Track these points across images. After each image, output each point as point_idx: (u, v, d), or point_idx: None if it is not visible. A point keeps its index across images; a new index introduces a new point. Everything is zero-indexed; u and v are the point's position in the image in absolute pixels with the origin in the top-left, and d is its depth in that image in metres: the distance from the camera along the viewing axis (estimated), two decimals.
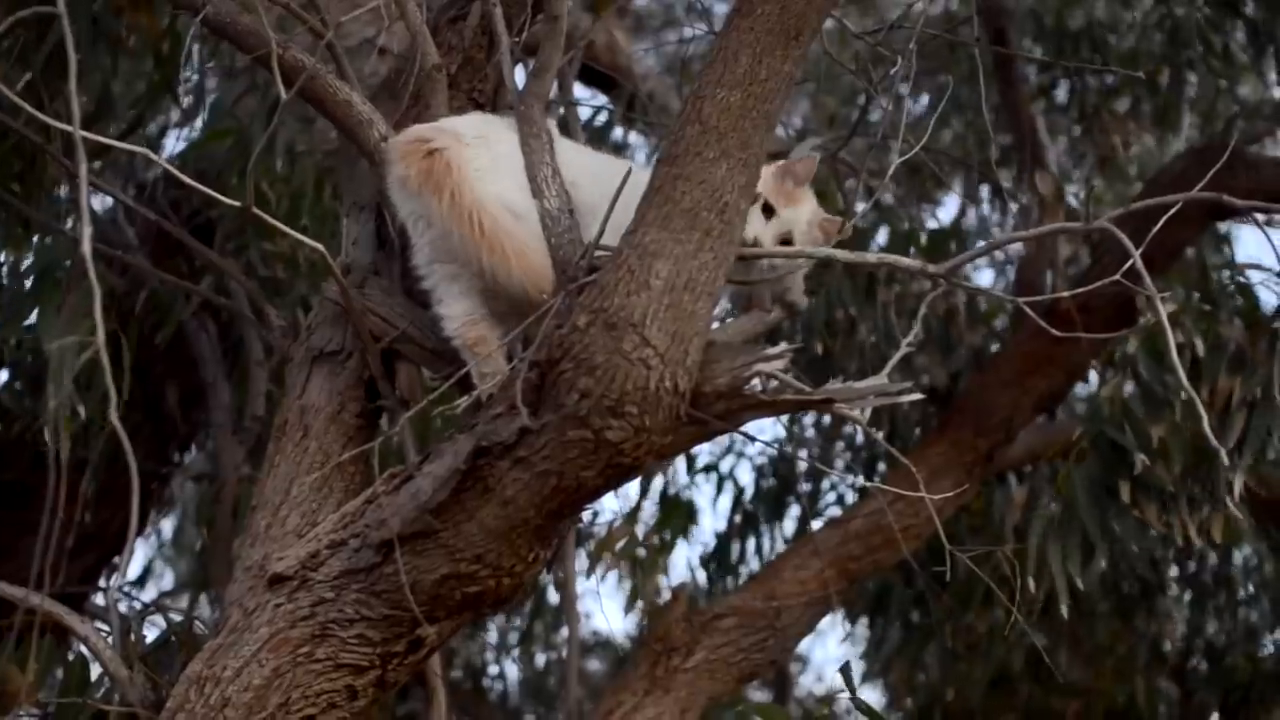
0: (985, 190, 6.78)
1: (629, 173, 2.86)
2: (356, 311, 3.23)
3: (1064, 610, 4.79)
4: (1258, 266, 5.18)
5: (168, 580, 7.58)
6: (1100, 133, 7.16)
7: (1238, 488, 4.36)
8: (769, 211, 3.02)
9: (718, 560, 6.16)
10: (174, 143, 5.43)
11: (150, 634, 3.96)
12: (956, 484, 5.16)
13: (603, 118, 5.69)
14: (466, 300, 3.06)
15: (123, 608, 4.19)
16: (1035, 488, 5.33)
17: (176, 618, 4.00)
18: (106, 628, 3.60)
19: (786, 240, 3.02)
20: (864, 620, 6.37)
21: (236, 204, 2.99)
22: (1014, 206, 6.40)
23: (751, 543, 6.14)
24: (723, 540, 6.17)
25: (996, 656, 5.80)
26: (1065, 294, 2.98)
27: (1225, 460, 2.64)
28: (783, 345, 2.85)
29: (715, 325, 3.00)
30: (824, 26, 3.10)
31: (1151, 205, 2.86)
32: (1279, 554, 5.90)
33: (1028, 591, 4.79)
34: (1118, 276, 2.81)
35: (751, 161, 2.82)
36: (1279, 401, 2.82)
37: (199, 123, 5.39)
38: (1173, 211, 2.86)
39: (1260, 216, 3.00)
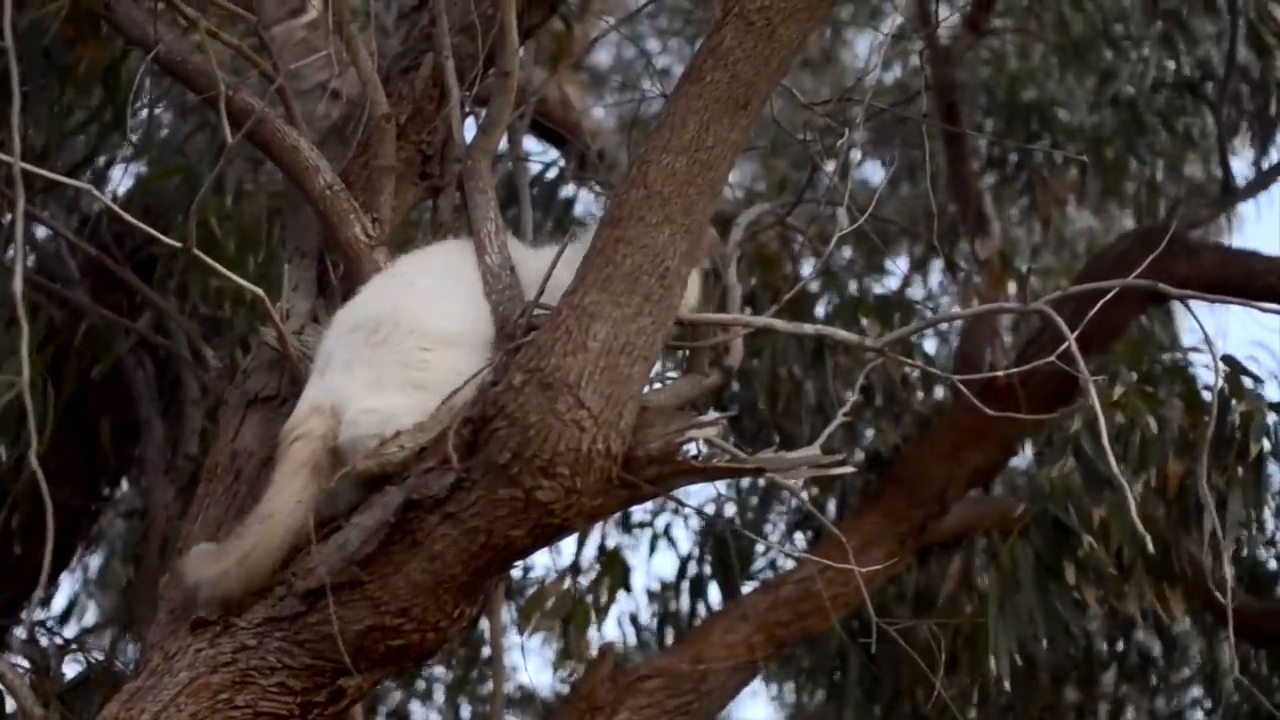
0: (933, 260, 6.83)
1: (565, 244, 2.88)
2: (294, 357, 3.22)
3: (1006, 685, 4.78)
4: (1196, 350, 5.23)
5: (92, 616, 7.49)
6: (1046, 205, 7.23)
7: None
8: None
9: (659, 619, 6.16)
10: (121, 176, 5.40)
11: (71, 671, 3.92)
12: (889, 554, 5.17)
13: (553, 173, 5.70)
14: None
15: (44, 643, 4.15)
16: (976, 563, 5.34)
17: (98, 656, 3.96)
18: (25, 663, 3.56)
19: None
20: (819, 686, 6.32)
21: (177, 244, 2.98)
22: (959, 277, 6.44)
23: (692, 601, 6.13)
24: (661, 599, 6.16)
25: None
26: (1001, 373, 3.00)
27: (1150, 546, 2.65)
28: (716, 413, 2.85)
29: (655, 386, 3.01)
30: (775, 92, 3.12)
31: (1089, 289, 2.89)
32: (1211, 638, 5.92)
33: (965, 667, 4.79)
34: (1053, 358, 2.83)
35: (695, 228, 2.83)
36: (1203, 492, 2.83)
37: (148, 157, 5.37)
38: (1110, 295, 2.89)
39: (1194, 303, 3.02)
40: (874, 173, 7.71)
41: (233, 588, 2.89)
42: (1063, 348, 2.76)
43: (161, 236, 2.97)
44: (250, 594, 2.90)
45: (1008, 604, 4.71)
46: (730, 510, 6.19)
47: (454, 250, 3.16)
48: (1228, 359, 4.54)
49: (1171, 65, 6.55)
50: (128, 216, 2.92)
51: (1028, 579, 4.69)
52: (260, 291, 3.03)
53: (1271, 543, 5.40)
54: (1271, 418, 4.52)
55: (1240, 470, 4.47)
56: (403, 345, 2.97)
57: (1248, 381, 4.60)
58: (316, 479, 2.92)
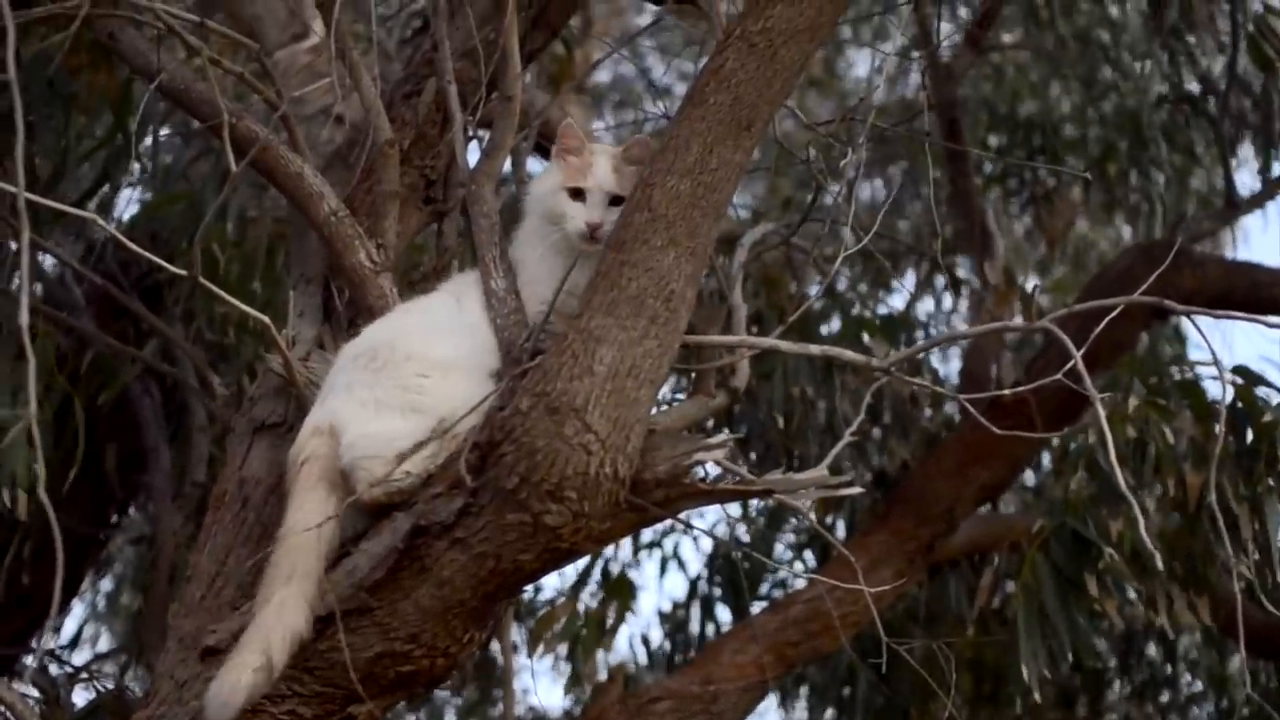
0: (938, 277, 6.83)
1: (574, 263, 2.88)
2: (300, 384, 3.22)
3: (1037, 696, 4.76)
4: (1204, 363, 5.22)
5: (103, 643, 7.49)
6: (1051, 221, 7.24)
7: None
8: (578, 195, 3.03)
9: (669, 639, 6.14)
10: (127, 203, 5.41)
11: (81, 700, 3.92)
12: (897, 573, 5.15)
13: None
14: None
15: (54, 671, 4.15)
16: (996, 580, 5.33)
17: (108, 685, 3.96)
18: (35, 692, 3.56)
19: (616, 199, 3.01)
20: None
21: (183, 272, 2.99)
22: (965, 295, 6.43)
23: (703, 622, 6.12)
24: (672, 620, 6.15)
25: None
26: (1008, 391, 3.00)
27: (1160, 565, 2.65)
28: (723, 435, 2.85)
29: (662, 408, 3.01)
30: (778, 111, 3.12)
31: (1093, 307, 2.89)
32: (1222, 651, 5.91)
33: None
34: (1059, 376, 2.84)
35: (699, 250, 2.83)
36: (1214, 506, 2.84)
37: (154, 182, 5.39)
38: (1115, 312, 2.89)
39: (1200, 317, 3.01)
40: (879, 190, 7.72)
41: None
42: (1069, 365, 2.76)
43: (167, 265, 2.97)
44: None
45: (1031, 619, 4.69)
46: (739, 530, 6.19)
47: (459, 283, 3.17)
48: (1241, 369, 4.53)
49: (1174, 79, 6.55)
50: (133, 245, 2.92)
51: (1050, 593, 4.67)
52: (266, 318, 3.04)
53: None
54: None
55: (1271, 480, 4.45)
56: (401, 370, 2.98)
57: (1262, 391, 4.59)
58: (334, 493, 2.93)
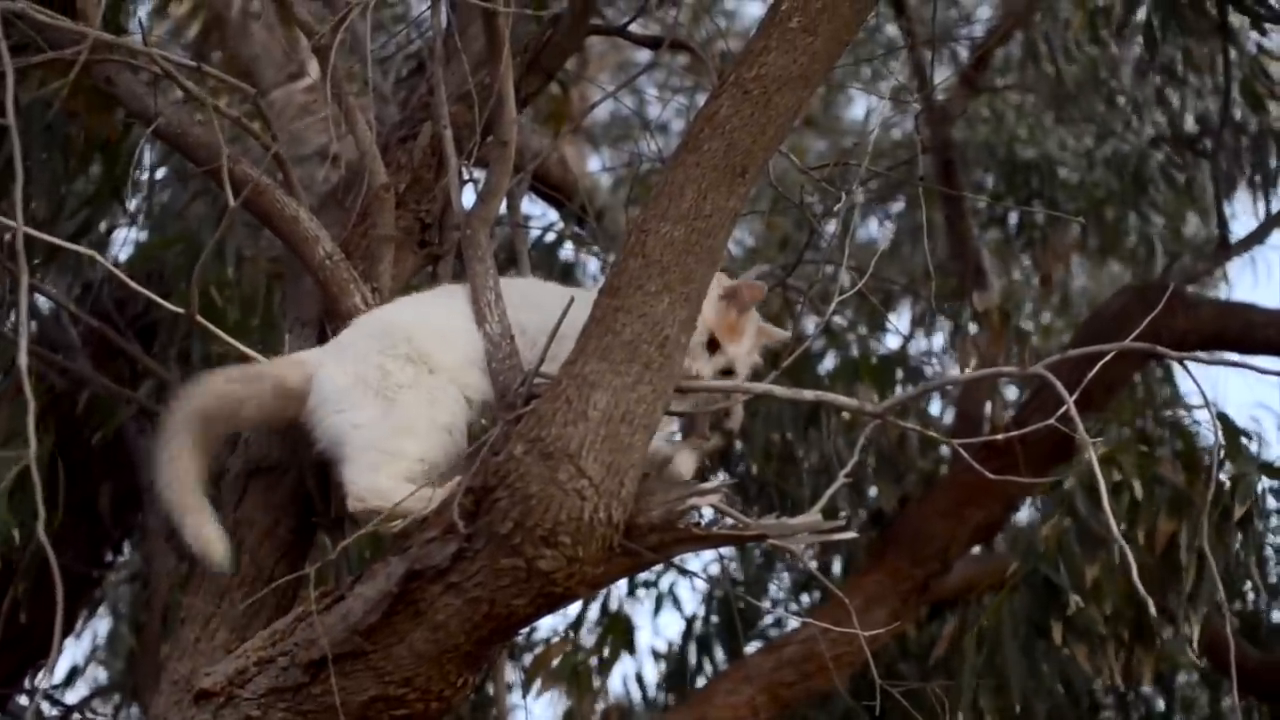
0: (933, 318, 6.84)
1: (571, 301, 2.89)
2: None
3: None
4: (1197, 406, 5.23)
5: (97, 681, 7.45)
6: (1046, 263, 7.25)
7: (1195, 635, 4.43)
8: (714, 347, 3.03)
9: (664, 679, 6.13)
10: (122, 243, 5.42)
11: None
12: (892, 613, 5.16)
13: (551, 236, 5.72)
14: None
15: (47, 709, 4.14)
16: (966, 621, 5.32)
17: None
18: None
19: (728, 371, 3.03)
20: None
21: (180, 310, 3.00)
22: (959, 336, 6.43)
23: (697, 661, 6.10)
24: (669, 660, 6.14)
25: None
26: (1000, 436, 3.00)
27: (1153, 611, 2.65)
28: (717, 480, 2.85)
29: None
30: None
31: (1087, 353, 2.90)
32: (1215, 693, 5.89)
33: None
34: (1053, 420, 2.84)
35: (693, 296, 2.84)
36: (1208, 552, 2.85)
37: (149, 223, 5.40)
38: (1108, 358, 2.90)
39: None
40: (874, 228, 7.74)
41: None
42: (1061, 411, 2.77)
43: (164, 302, 2.99)
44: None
45: (990, 664, 4.68)
46: (734, 568, 6.18)
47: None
48: (1221, 417, 4.53)
49: (1168, 121, 6.58)
50: (131, 282, 2.94)
51: (1012, 638, 4.67)
52: (262, 359, 3.05)
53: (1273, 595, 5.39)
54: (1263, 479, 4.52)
55: (1241, 533, 4.46)
56: (396, 350, 3.03)
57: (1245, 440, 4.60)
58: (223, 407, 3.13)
